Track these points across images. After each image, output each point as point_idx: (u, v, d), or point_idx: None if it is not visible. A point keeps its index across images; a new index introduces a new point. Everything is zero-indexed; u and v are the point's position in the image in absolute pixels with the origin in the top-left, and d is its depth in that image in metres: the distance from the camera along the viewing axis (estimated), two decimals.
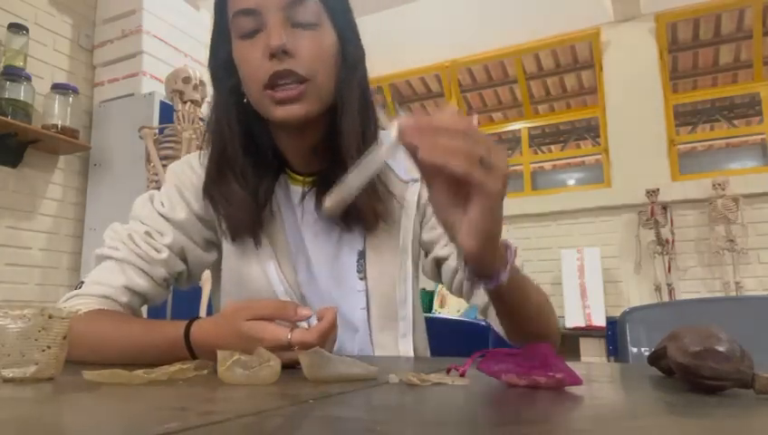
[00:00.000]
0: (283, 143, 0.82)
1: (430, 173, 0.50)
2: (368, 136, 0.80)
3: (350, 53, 0.78)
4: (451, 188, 0.49)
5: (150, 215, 0.81)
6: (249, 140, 0.80)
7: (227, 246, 0.83)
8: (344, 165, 0.76)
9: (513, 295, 0.65)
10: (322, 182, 0.80)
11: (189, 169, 0.85)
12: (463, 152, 0.45)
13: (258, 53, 0.72)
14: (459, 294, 0.83)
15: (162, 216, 0.81)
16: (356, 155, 0.77)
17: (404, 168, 0.85)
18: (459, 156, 0.45)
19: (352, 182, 0.49)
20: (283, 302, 0.66)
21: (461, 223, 0.49)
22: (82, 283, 0.78)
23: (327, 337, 0.57)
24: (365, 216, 0.79)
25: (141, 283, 0.78)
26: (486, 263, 0.55)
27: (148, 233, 0.80)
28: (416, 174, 0.85)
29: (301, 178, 0.83)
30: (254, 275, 0.80)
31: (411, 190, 0.85)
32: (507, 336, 0.78)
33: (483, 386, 0.45)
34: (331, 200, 0.49)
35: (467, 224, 0.49)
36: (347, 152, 0.77)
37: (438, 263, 0.84)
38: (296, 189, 0.83)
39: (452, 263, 0.82)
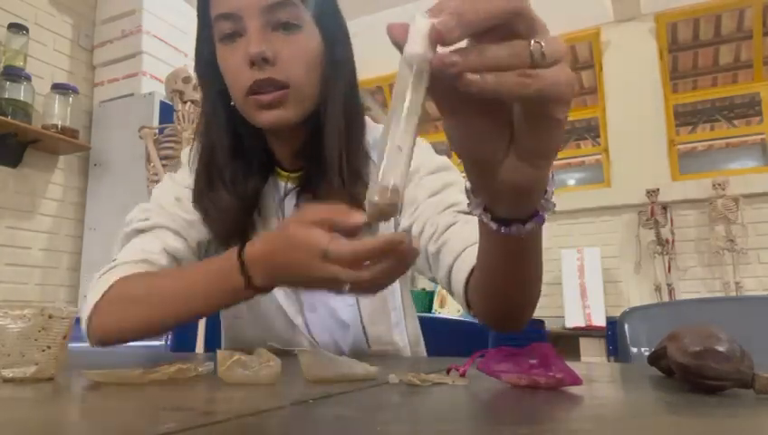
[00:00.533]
0: (271, 140, 0.82)
1: (464, 103, 0.35)
2: (353, 136, 0.78)
3: (335, 53, 0.77)
4: (490, 109, 0.36)
5: (174, 186, 0.82)
6: (238, 142, 0.79)
7: None
8: (326, 165, 0.75)
9: (533, 243, 0.50)
10: (304, 181, 0.79)
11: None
12: (511, 60, 0.32)
13: (239, 58, 0.71)
14: (425, 264, 0.74)
15: (185, 187, 0.82)
16: (339, 156, 0.75)
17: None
18: (509, 71, 0.32)
19: (396, 171, 0.33)
20: (339, 206, 0.55)
21: (505, 152, 0.37)
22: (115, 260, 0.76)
23: (364, 257, 0.49)
24: None
25: (177, 245, 0.77)
26: (533, 196, 0.43)
27: (177, 199, 0.80)
28: None
29: (286, 174, 0.83)
30: None
31: None
32: (484, 307, 0.64)
33: (483, 386, 0.45)
34: (371, 212, 0.35)
35: (522, 149, 0.37)
36: (330, 154, 0.75)
37: None
38: (282, 185, 0.83)
39: (415, 228, 0.75)
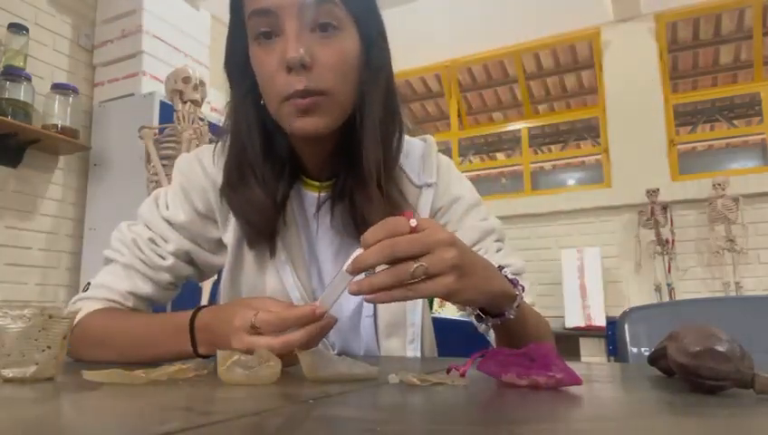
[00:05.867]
0: (299, 147, 0.78)
1: None
2: (390, 143, 0.75)
3: (374, 56, 0.73)
4: None
5: (155, 219, 0.80)
6: (268, 142, 0.76)
7: (238, 249, 0.80)
8: (364, 174, 0.72)
9: (516, 327, 0.65)
10: (337, 191, 0.76)
11: (199, 167, 0.82)
12: (393, 281, 0.48)
13: (275, 60, 0.67)
14: None
15: (166, 220, 0.79)
16: (377, 165, 0.72)
17: (417, 172, 0.82)
18: (393, 288, 0.48)
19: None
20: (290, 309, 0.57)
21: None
22: (89, 284, 0.78)
23: (284, 327, 0.53)
24: None
25: (146, 288, 0.78)
26: (490, 308, 0.61)
27: (152, 240, 0.79)
28: (429, 179, 0.82)
29: (317, 183, 0.79)
30: (270, 280, 0.78)
31: (425, 196, 0.81)
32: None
33: (483, 386, 0.45)
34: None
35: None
36: (366, 161, 0.72)
37: None
38: (311, 195, 0.80)
39: None
